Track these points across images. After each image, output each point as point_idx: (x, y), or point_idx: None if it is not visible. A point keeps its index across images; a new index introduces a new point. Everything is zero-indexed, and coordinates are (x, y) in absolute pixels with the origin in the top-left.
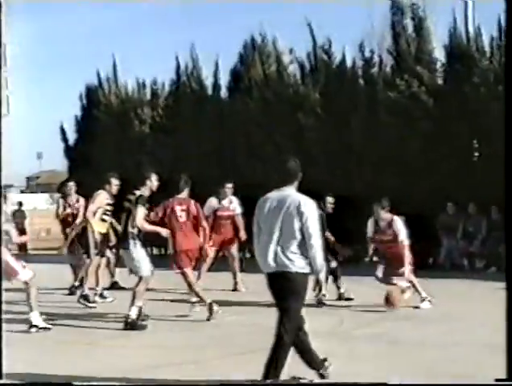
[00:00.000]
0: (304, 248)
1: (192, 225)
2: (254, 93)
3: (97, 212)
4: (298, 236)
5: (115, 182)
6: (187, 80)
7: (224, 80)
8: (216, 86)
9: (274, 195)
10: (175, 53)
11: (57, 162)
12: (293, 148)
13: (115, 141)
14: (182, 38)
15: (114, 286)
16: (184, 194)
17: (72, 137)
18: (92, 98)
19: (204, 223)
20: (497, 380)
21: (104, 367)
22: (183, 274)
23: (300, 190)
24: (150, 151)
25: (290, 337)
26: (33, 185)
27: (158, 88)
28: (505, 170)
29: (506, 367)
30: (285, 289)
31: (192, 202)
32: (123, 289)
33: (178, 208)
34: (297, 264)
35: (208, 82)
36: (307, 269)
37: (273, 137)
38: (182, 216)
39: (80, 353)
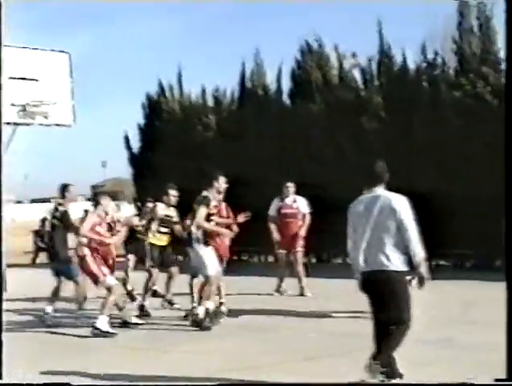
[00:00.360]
0: (400, 246)
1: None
2: (316, 97)
3: (153, 224)
4: (393, 234)
5: (173, 194)
6: (251, 86)
7: (285, 84)
8: (278, 91)
9: (365, 197)
10: (242, 58)
11: (121, 170)
12: (355, 151)
13: (178, 148)
14: (243, 44)
15: (155, 295)
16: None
17: (136, 145)
18: (156, 106)
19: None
20: (497, 380)
21: (174, 373)
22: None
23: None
24: (213, 157)
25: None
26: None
27: (220, 94)
28: (505, 170)
29: (506, 367)
30: (384, 288)
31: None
32: (163, 296)
33: None
34: (394, 262)
35: (271, 87)
36: (403, 267)
37: (335, 140)
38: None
39: (150, 359)
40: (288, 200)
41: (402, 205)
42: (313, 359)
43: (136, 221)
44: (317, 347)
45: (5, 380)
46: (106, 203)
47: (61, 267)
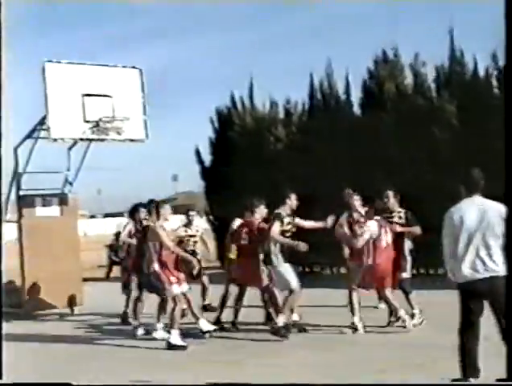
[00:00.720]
0: (503, 252)
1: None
2: (388, 107)
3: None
4: (500, 241)
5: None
6: (321, 97)
7: (355, 95)
8: (348, 102)
9: (465, 205)
10: (310, 70)
11: (193, 184)
12: (429, 161)
13: (250, 160)
14: (313, 55)
15: (206, 308)
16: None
17: (207, 158)
18: (226, 119)
19: None
20: (497, 380)
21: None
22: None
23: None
24: (285, 169)
25: None
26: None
27: (291, 106)
28: (505, 170)
29: (506, 367)
30: (494, 293)
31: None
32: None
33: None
34: (502, 268)
35: (342, 98)
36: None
37: (408, 150)
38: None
39: (229, 371)
40: (356, 215)
41: (505, 213)
42: (385, 371)
43: (183, 233)
44: (389, 359)
45: (5, 380)
46: (167, 213)
47: (147, 280)
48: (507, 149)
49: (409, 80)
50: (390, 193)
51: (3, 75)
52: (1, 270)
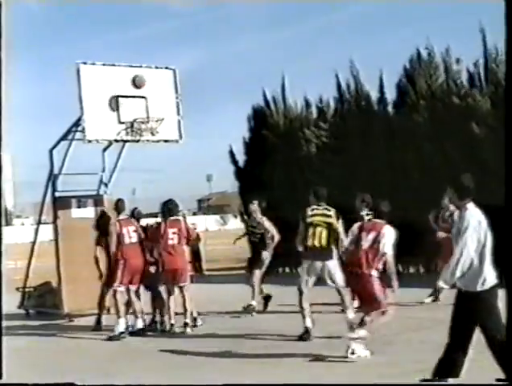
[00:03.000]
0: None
1: None
2: (423, 106)
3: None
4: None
5: None
6: (350, 97)
7: (389, 94)
8: (382, 101)
9: (475, 210)
10: (335, 70)
11: (227, 184)
12: (465, 159)
13: (284, 160)
14: (345, 54)
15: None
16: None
17: (241, 158)
18: (260, 119)
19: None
20: (497, 380)
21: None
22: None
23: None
24: (318, 169)
25: None
26: (204, 207)
27: (324, 105)
28: (505, 170)
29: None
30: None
31: None
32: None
33: None
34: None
35: (373, 98)
36: None
37: (444, 149)
38: None
39: (267, 371)
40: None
41: None
42: (422, 371)
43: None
44: (426, 359)
45: (5, 380)
46: None
47: None
48: (507, 150)
49: (442, 78)
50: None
51: (3, 79)
52: (1, 270)
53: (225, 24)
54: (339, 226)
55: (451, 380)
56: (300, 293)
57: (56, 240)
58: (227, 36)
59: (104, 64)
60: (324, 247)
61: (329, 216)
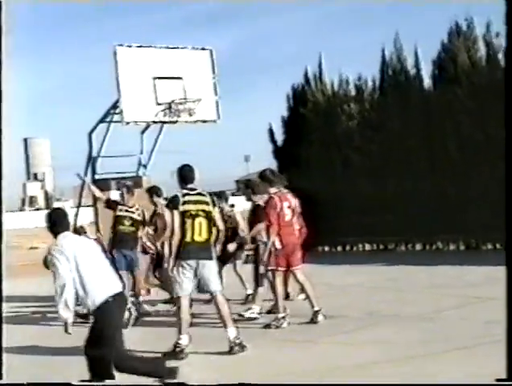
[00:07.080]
0: None
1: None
2: (462, 81)
3: None
4: None
5: None
6: (392, 73)
7: (425, 69)
8: (418, 77)
9: None
10: (382, 45)
11: (264, 164)
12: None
13: (322, 138)
14: (383, 31)
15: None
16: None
17: (279, 137)
18: (299, 98)
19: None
20: (497, 380)
21: (322, 365)
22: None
23: None
24: (357, 146)
25: None
26: (243, 187)
27: (362, 83)
28: (505, 170)
29: (506, 367)
30: None
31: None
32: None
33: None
34: None
35: (412, 72)
36: None
37: (484, 125)
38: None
39: (298, 350)
40: None
41: None
42: (467, 348)
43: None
44: (470, 336)
45: (5, 380)
46: None
47: None
48: (507, 150)
49: (482, 52)
50: None
51: (3, 74)
52: (1, 270)
53: (263, 4)
54: (216, 214)
55: None
56: (180, 300)
57: (97, 222)
58: (263, 14)
59: (140, 46)
60: (205, 242)
61: (206, 203)
